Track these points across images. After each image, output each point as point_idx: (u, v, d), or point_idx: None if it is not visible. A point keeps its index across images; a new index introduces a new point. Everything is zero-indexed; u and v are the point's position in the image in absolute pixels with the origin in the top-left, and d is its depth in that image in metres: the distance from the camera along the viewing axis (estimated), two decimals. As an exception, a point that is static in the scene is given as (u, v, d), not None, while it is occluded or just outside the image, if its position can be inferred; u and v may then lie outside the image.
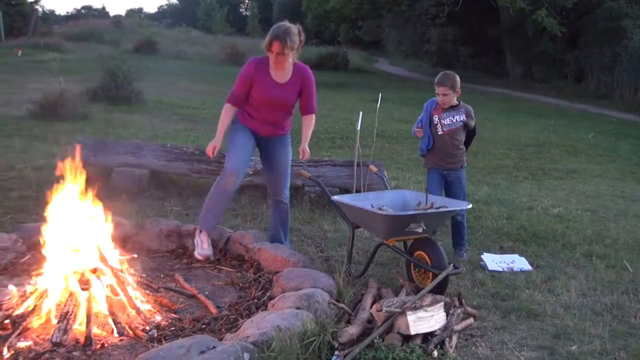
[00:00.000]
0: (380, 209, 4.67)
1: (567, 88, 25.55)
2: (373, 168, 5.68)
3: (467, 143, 5.49)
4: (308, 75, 4.95)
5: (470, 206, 4.73)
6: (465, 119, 5.33)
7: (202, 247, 4.92)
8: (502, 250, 5.72)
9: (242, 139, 4.95)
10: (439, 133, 5.30)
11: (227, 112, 4.91)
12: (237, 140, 4.95)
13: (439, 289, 4.10)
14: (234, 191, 4.94)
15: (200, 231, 5.00)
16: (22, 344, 3.45)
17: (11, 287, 3.93)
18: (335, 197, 4.97)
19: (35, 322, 3.67)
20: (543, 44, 26.81)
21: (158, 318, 3.88)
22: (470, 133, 5.45)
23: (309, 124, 5.05)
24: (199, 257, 4.88)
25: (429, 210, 4.54)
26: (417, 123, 5.47)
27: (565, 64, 26.87)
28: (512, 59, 30.05)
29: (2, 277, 4.47)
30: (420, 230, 4.33)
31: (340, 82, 25.48)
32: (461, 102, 5.36)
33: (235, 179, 4.84)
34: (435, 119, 5.31)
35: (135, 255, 4.45)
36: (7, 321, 3.63)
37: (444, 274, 4.09)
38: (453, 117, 5.30)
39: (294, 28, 4.73)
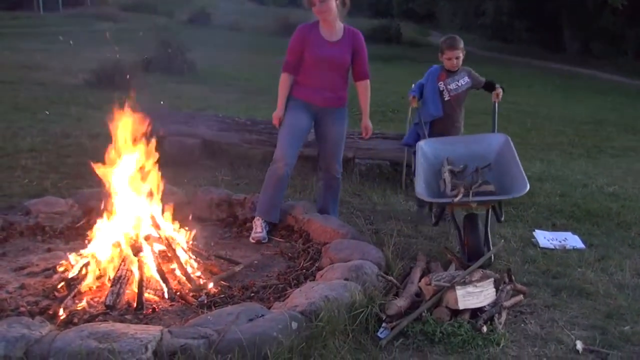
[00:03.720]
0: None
1: (627, 64, 24.81)
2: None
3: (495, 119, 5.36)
4: (359, 37, 4.92)
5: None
6: (469, 81, 5.34)
7: (255, 230, 4.90)
8: (554, 228, 5.62)
9: (293, 120, 4.91)
10: (446, 99, 5.31)
11: (284, 82, 4.92)
12: (287, 122, 4.93)
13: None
14: (286, 176, 4.90)
15: (257, 217, 5.00)
16: (77, 306, 3.54)
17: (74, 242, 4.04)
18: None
19: (89, 286, 3.77)
20: (603, 18, 26.01)
21: (209, 285, 3.93)
22: (488, 85, 5.40)
23: (365, 92, 5.01)
24: (252, 241, 4.85)
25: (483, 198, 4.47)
26: (414, 91, 5.38)
27: (626, 40, 26.06)
28: (570, 34, 29.27)
29: (59, 241, 4.60)
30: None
31: (392, 55, 25.22)
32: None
33: (282, 164, 4.83)
34: (441, 85, 5.31)
35: (187, 229, 4.49)
36: (62, 284, 3.73)
37: (472, 267, 3.91)
38: (457, 82, 5.31)
39: None
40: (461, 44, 5.25)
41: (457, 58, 5.23)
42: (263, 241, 4.84)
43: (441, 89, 5.31)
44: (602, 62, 25.98)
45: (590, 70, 24.31)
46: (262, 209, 4.97)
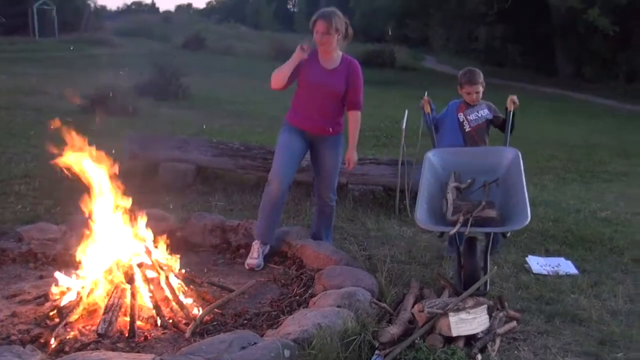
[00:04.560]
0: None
1: (619, 88, 24.98)
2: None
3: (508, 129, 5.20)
4: (355, 66, 4.89)
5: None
6: (489, 113, 5.24)
7: (251, 256, 4.88)
8: (547, 253, 5.62)
9: (287, 142, 4.90)
10: (467, 130, 5.24)
11: (355, 121, 4.95)
12: (282, 144, 4.91)
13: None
14: (282, 196, 4.85)
15: (255, 240, 4.98)
16: (68, 335, 3.52)
17: (58, 275, 4.03)
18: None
19: (81, 314, 3.75)
20: (595, 43, 26.26)
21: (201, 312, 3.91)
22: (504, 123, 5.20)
23: (355, 122, 4.94)
24: (246, 267, 4.83)
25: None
26: (430, 119, 5.25)
27: (617, 64, 26.28)
28: (563, 58, 29.51)
29: (51, 268, 4.58)
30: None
31: (386, 79, 25.38)
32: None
33: (277, 186, 4.79)
34: (461, 116, 5.25)
35: (179, 256, 4.48)
36: (54, 312, 3.72)
37: (465, 294, 3.87)
38: (477, 112, 5.23)
39: (340, 13, 4.74)
40: (480, 78, 5.18)
41: (477, 92, 5.17)
42: (257, 269, 4.81)
43: (461, 119, 5.25)
44: (595, 86, 26.17)
45: (582, 94, 24.47)
46: (259, 231, 4.97)
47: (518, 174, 4.54)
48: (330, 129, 4.94)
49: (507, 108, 5.07)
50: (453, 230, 4.15)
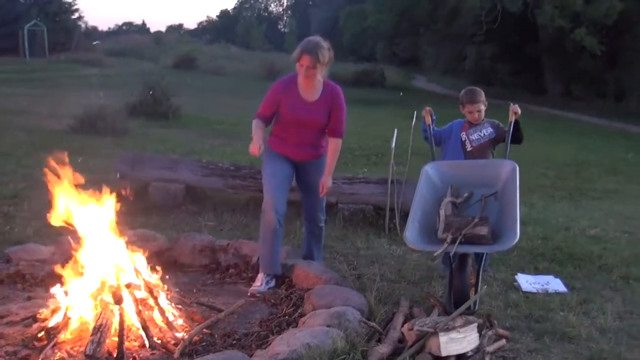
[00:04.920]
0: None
1: (607, 107, 25.20)
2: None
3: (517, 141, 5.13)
4: (337, 94, 4.82)
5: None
6: (493, 132, 5.20)
7: (255, 284, 4.78)
8: (537, 271, 5.63)
9: (273, 170, 4.84)
10: (468, 149, 5.22)
11: (256, 124, 4.84)
12: (269, 173, 4.85)
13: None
14: (279, 225, 4.73)
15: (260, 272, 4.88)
16: (56, 356, 3.50)
17: (54, 290, 4.00)
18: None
19: (69, 335, 3.73)
20: (583, 62, 26.53)
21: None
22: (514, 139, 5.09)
23: (334, 150, 4.86)
24: (249, 293, 4.71)
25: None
26: (430, 131, 5.19)
27: (605, 82, 26.54)
28: (551, 77, 29.77)
29: (39, 289, 4.56)
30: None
31: (376, 99, 25.50)
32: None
33: (272, 215, 4.68)
34: (463, 135, 5.23)
35: (167, 277, 4.47)
36: (42, 333, 3.70)
37: (455, 313, 3.86)
38: (480, 132, 5.20)
39: (325, 43, 4.64)
40: (481, 97, 5.16)
41: (478, 111, 5.15)
42: (258, 295, 4.70)
43: (463, 139, 5.22)
44: (583, 105, 26.37)
45: (571, 113, 24.65)
46: (264, 263, 4.83)
47: (513, 189, 4.46)
48: (316, 153, 4.92)
49: (509, 120, 4.98)
50: (438, 252, 4.11)
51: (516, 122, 4.99)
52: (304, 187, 5.06)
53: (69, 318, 3.80)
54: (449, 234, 4.18)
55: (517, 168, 4.58)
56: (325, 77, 4.79)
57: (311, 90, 4.75)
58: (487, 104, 5.21)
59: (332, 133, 4.86)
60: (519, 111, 4.98)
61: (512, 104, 5.01)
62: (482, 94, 5.20)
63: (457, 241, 4.10)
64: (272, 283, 4.85)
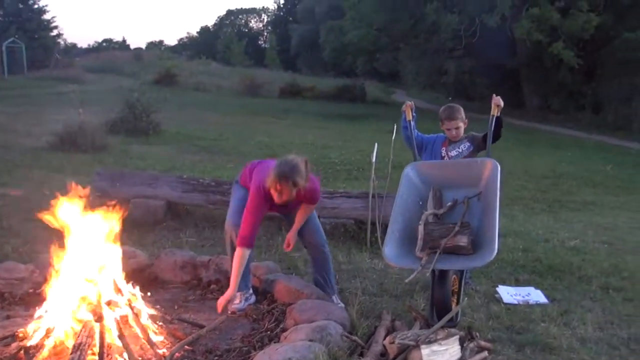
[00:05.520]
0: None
1: (585, 119, 25.50)
2: None
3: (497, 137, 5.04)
4: (310, 194, 4.57)
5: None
6: (471, 145, 5.16)
7: (233, 302, 4.70)
8: (517, 283, 5.67)
9: (241, 193, 4.75)
10: None
11: (240, 258, 4.50)
12: (238, 195, 4.80)
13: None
14: (242, 246, 4.54)
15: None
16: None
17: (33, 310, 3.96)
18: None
19: (48, 353, 3.69)
20: (560, 75, 26.84)
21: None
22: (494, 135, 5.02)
23: (305, 211, 4.76)
24: (229, 311, 4.65)
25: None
26: (411, 128, 5.14)
27: (583, 95, 26.87)
28: (530, 91, 30.07)
29: (18, 308, 4.51)
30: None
31: (357, 113, 25.63)
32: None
33: (232, 234, 4.63)
34: (443, 151, 5.24)
35: (149, 293, 4.44)
36: (20, 352, 3.65)
37: (437, 326, 3.86)
38: (459, 148, 5.20)
39: (302, 163, 4.33)
40: (460, 114, 5.12)
41: (456, 128, 5.12)
42: (238, 312, 4.67)
43: (443, 154, 5.22)
44: (561, 118, 26.69)
45: (549, 126, 24.93)
46: (238, 283, 4.70)
47: (494, 190, 4.32)
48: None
49: (491, 113, 4.89)
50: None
51: (497, 118, 4.90)
52: (291, 218, 4.89)
53: (49, 336, 3.76)
54: (425, 253, 4.11)
55: (499, 166, 4.46)
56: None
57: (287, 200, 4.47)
58: (466, 121, 5.19)
59: (306, 201, 4.69)
60: (502, 103, 4.90)
61: (494, 96, 4.94)
62: (461, 110, 5.19)
63: (435, 259, 4.04)
64: (252, 299, 4.83)
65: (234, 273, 4.49)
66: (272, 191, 4.33)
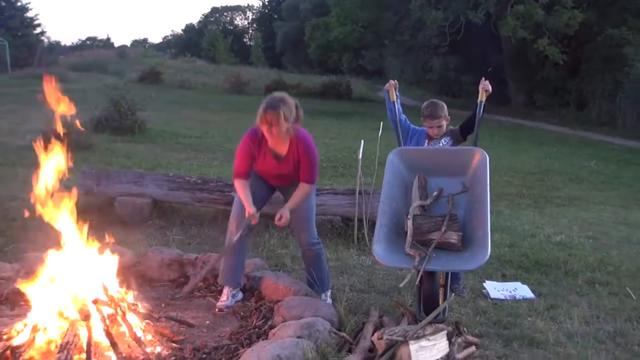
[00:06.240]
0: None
1: (570, 115, 25.63)
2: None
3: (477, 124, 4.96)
4: (304, 145, 4.61)
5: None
6: (451, 139, 5.11)
7: (221, 299, 4.74)
8: (504, 278, 5.70)
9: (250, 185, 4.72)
10: None
11: (241, 186, 4.63)
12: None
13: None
14: (241, 242, 4.69)
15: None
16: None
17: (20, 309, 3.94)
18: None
19: (35, 353, 3.67)
20: (545, 72, 26.99)
21: (159, 348, 3.86)
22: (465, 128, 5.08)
23: (302, 191, 4.67)
24: (216, 309, 4.67)
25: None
26: (396, 110, 5.05)
27: (567, 91, 27.02)
28: (515, 87, 30.20)
29: (4, 307, 4.47)
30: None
31: (343, 111, 25.64)
32: None
33: (232, 227, 4.68)
34: (426, 145, 5.14)
35: (136, 291, 4.42)
36: (7, 351, 3.62)
37: (424, 321, 3.85)
38: (439, 142, 5.12)
39: (291, 100, 4.48)
40: (443, 112, 5.01)
41: (438, 127, 5.02)
42: (225, 309, 4.66)
43: None
44: (546, 114, 26.80)
45: (534, 122, 25.02)
46: (220, 275, 4.83)
47: (483, 183, 4.23)
48: (293, 180, 4.74)
49: (479, 99, 4.84)
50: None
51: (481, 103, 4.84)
52: (289, 196, 4.83)
53: (35, 336, 3.73)
54: (417, 252, 4.06)
55: (487, 157, 4.37)
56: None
57: (279, 146, 4.59)
58: (449, 118, 5.10)
59: (302, 179, 4.69)
60: (490, 88, 4.86)
61: (483, 80, 4.90)
62: (445, 108, 5.07)
63: (425, 261, 3.99)
64: (240, 296, 4.82)
65: (243, 198, 4.59)
66: (263, 126, 4.41)
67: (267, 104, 4.39)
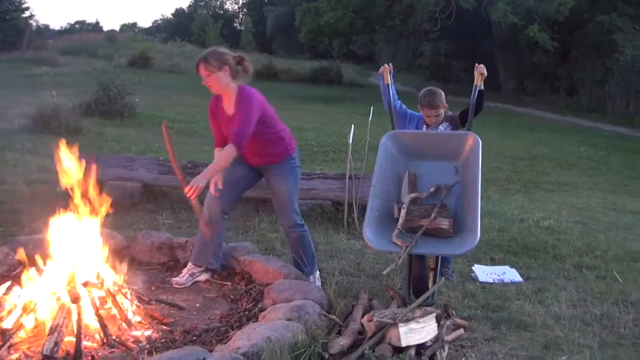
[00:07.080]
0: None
1: (560, 102, 25.68)
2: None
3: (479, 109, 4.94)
4: (237, 98, 4.46)
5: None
6: (449, 124, 5.07)
7: (179, 276, 4.82)
8: (493, 262, 5.73)
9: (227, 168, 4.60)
10: None
11: (220, 154, 4.55)
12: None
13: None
14: (214, 223, 4.69)
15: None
16: (12, 357, 3.44)
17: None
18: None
19: (25, 335, 3.67)
20: (536, 58, 27.00)
21: (149, 331, 3.87)
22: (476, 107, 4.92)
23: (224, 152, 4.39)
24: (172, 281, 4.77)
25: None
26: (391, 94, 5.00)
27: (558, 77, 27.06)
28: (505, 73, 30.20)
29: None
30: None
31: (334, 96, 25.60)
32: None
33: (206, 211, 4.70)
34: (424, 130, 5.13)
35: (126, 275, 4.43)
36: (-3, 334, 3.63)
37: (414, 304, 3.86)
38: (438, 129, 5.07)
39: (222, 50, 4.47)
40: (441, 101, 4.93)
41: (436, 116, 4.97)
42: (177, 286, 4.72)
43: None
44: (536, 100, 26.84)
45: (525, 108, 25.07)
46: (192, 254, 4.90)
47: (475, 169, 4.20)
48: (271, 159, 4.69)
49: (474, 83, 4.81)
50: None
51: (479, 91, 4.81)
52: (271, 193, 4.86)
53: (25, 318, 3.73)
54: (404, 245, 4.02)
55: (480, 141, 4.32)
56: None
57: (230, 103, 4.51)
58: (447, 106, 5.04)
59: (229, 137, 4.45)
60: (485, 72, 4.81)
61: (477, 65, 4.86)
62: (442, 96, 5.00)
63: (414, 243, 4.01)
64: (202, 277, 4.85)
65: (210, 167, 4.46)
66: (204, 82, 4.41)
67: (199, 56, 4.41)
